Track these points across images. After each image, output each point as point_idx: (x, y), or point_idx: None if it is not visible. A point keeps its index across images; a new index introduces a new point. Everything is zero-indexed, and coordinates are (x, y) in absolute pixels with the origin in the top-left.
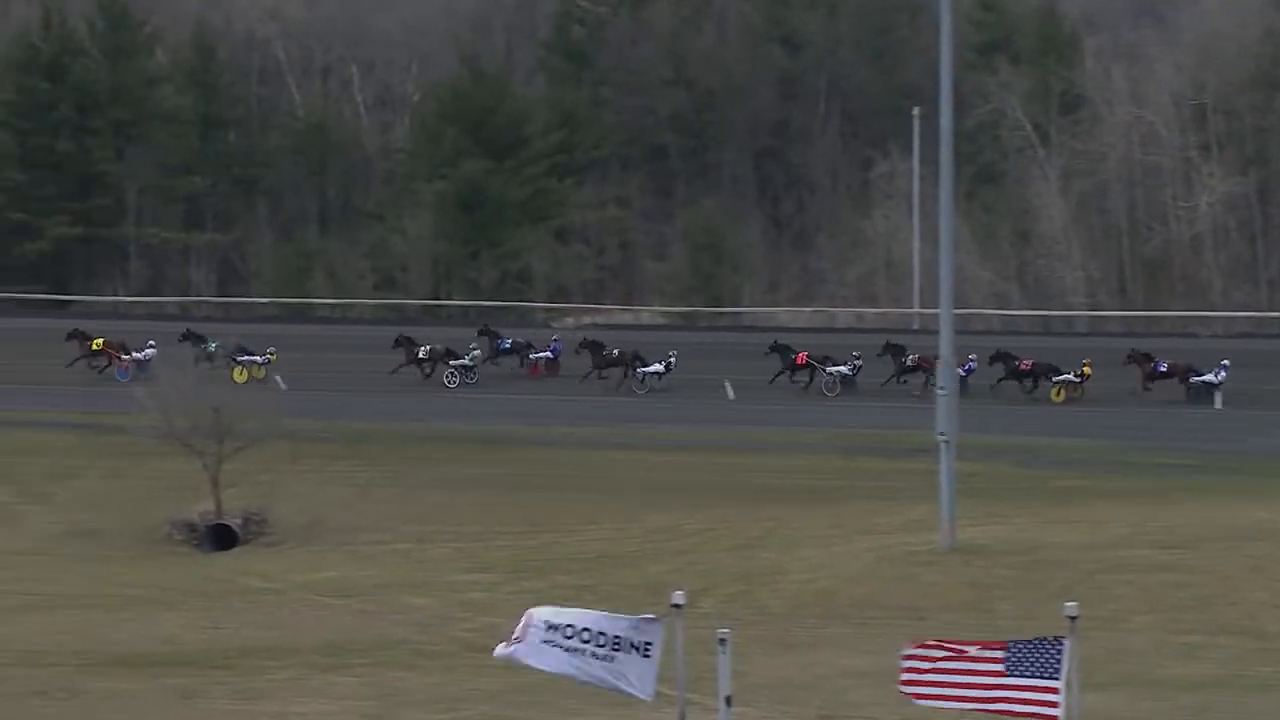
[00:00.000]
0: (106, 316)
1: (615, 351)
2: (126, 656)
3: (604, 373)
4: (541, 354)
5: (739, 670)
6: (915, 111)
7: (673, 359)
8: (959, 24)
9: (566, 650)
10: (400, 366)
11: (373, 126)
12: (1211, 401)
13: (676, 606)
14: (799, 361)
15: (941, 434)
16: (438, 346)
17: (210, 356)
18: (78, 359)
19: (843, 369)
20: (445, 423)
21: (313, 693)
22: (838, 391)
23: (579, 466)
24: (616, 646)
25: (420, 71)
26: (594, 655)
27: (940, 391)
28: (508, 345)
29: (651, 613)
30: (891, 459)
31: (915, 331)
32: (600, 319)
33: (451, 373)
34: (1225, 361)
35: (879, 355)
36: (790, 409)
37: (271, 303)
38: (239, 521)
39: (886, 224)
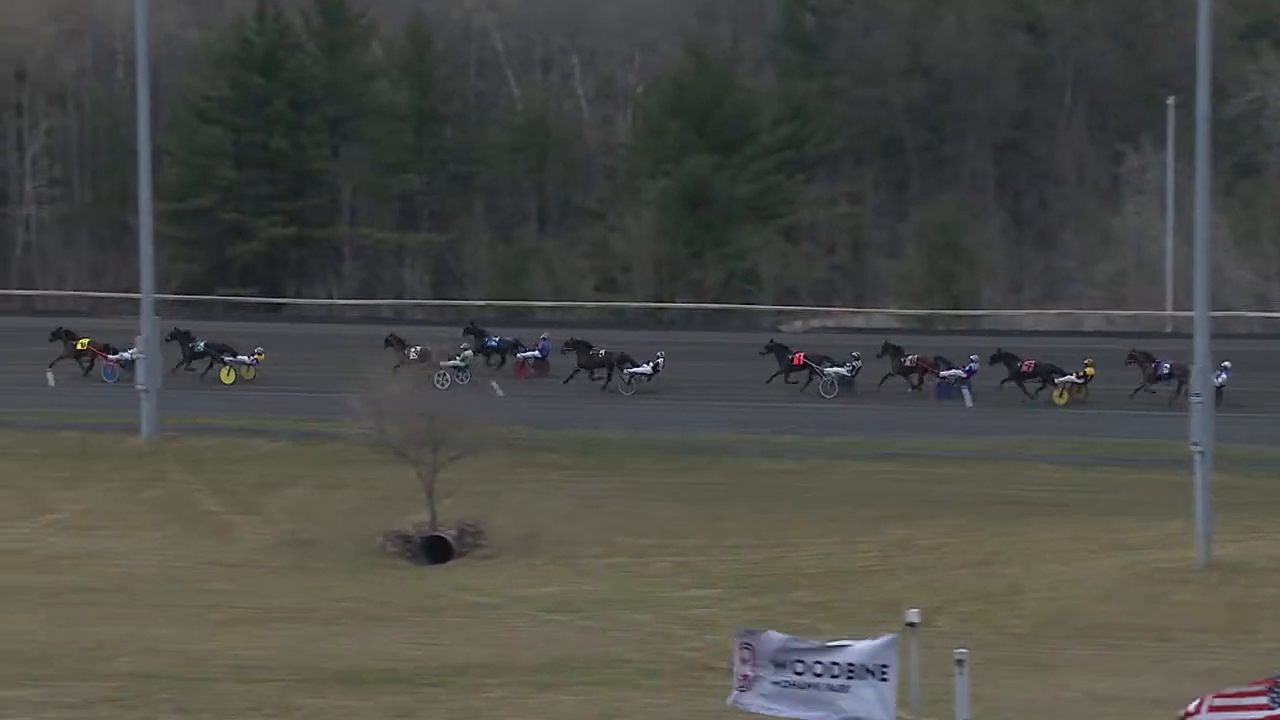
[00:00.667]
0: (320, 320)
1: (602, 351)
2: (341, 673)
3: (595, 373)
4: (529, 353)
5: (978, 693)
6: (1170, 101)
7: (660, 359)
8: (1218, 7)
9: (801, 689)
10: (394, 368)
11: (594, 120)
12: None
13: (911, 625)
14: (795, 362)
15: (1196, 444)
16: (428, 347)
17: (197, 355)
18: (61, 358)
19: (841, 370)
20: (653, 431)
21: (531, 712)
22: (835, 393)
23: (791, 475)
24: (851, 675)
25: (643, 63)
26: (829, 688)
27: (1195, 399)
28: (494, 343)
29: (886, 631)
30: (1139, 470)
31: (1169, 335)
32: (830, 322)
33: (443, 374)
34: (1226, 364)
35: (878, 355)
36: (1026, 416)
37: (488, 305)
38: (454, 533)
39: (1138, 220)
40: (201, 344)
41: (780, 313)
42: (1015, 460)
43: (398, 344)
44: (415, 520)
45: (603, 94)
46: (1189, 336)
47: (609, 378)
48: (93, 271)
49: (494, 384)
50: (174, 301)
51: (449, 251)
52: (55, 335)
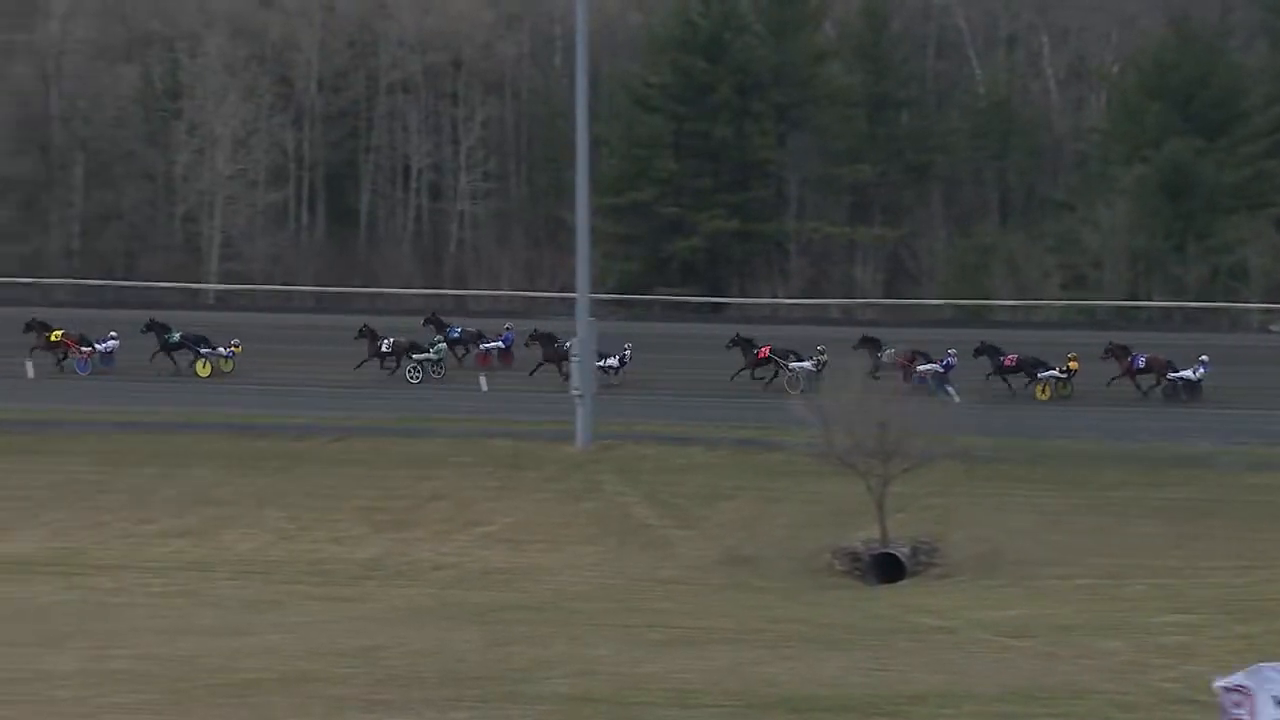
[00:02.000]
0: (764, 321)
1: (568, 345)
2: (786, 699)
3: (562, 367)
4: (492, 344)
5: None
6: None
7: (627, 351)
8: None
9: None
10: (363, 361)
11: (1063, 103)
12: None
13: None
14: (760, 356)
15: None
16: (401, 340)
17: (173, 347)
18: (35, 349)
19: (806, 365)
20: (1115, 441)
21: None
22: (800, 388)
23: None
24: None
25: (1121, 39)
26: None
27: None
28: (457, 334)
29: None
30: None
31: None
32: None
33: (415, 367)
34: (1204, 358)
35: (854, 348)
36: None
37: (944, 304)
38: (906, 551)
39: None
40: (177, 335)
41: (1269, 311)
42: None
43: (370, 336)
44: (864, 536)
45: (1074, 74)
46: None
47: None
48: (527, 270)
49: (950, 390)
50: (610, 301)
51: (903, 247)
52: (29, 326)
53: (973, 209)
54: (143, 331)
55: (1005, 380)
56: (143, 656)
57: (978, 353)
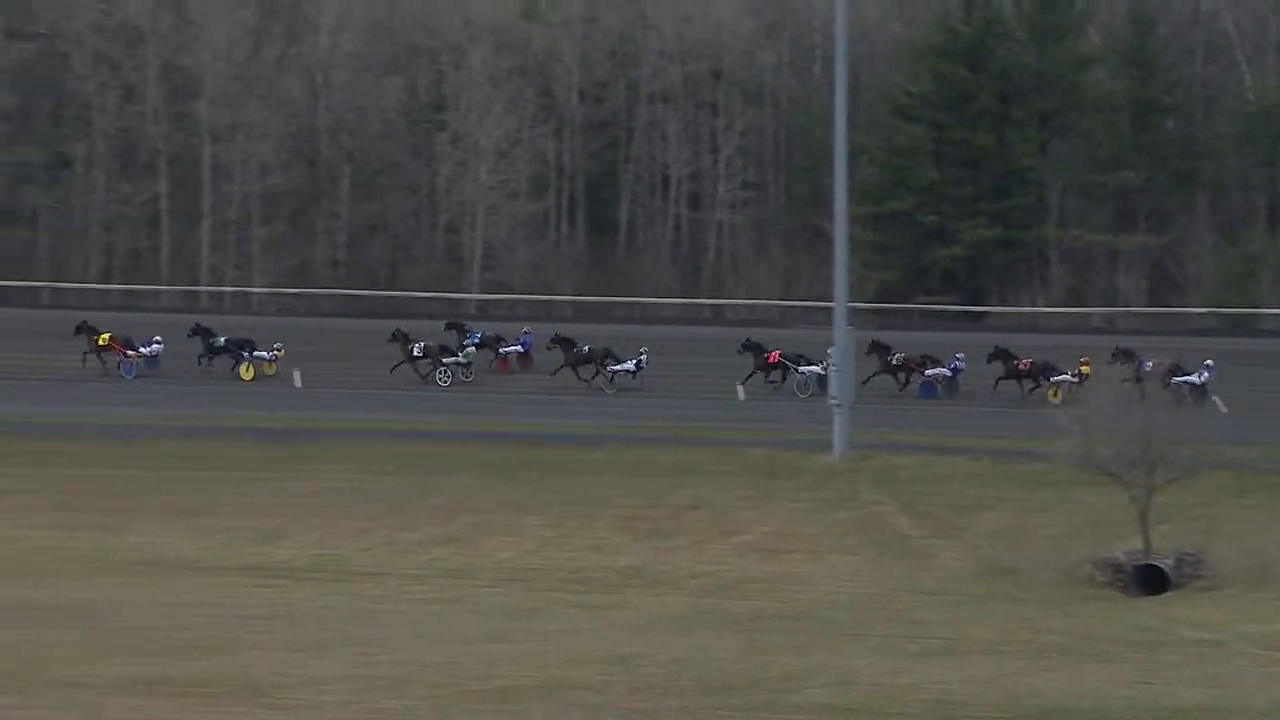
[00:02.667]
0: (1023, 330)
1: (586, 348)
2: (1047, 711)
3: (581, 370)
4: (511, 348)
5: None
6: None
7: (644, 356)
8: None
9: None
10: (397, 365)
11: None
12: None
13: None
14: (770, 360)
15: None
16: (431, 344)
17: (217, 352)
18: (86, 353)
19: (816, 369)
20: None
21: None
22: (810, 392)
23: None
24: None
25: None
26: None
27: None
28: (478, 339)
29: None
30: None
31: None
32: None
33: (444, 370)
34: (1209, 362)
35: (866, 353)
36: None
37: (1209, 313)
38: (1171, 562)
39: None
40: (222, 340)
41: None
42: None
43: (403, 340)
44: (1126, 547)
45: None
46: None
47: (595, 375)
48: (784, 278)
49: (1216, 399)
50: (869, 310)
51: (1168, 254)
52: (79, 330)
53: (1240, 215)
54: (189, 336)
55: (1020, 383)
56: (404, 662)
57: (991, 358)
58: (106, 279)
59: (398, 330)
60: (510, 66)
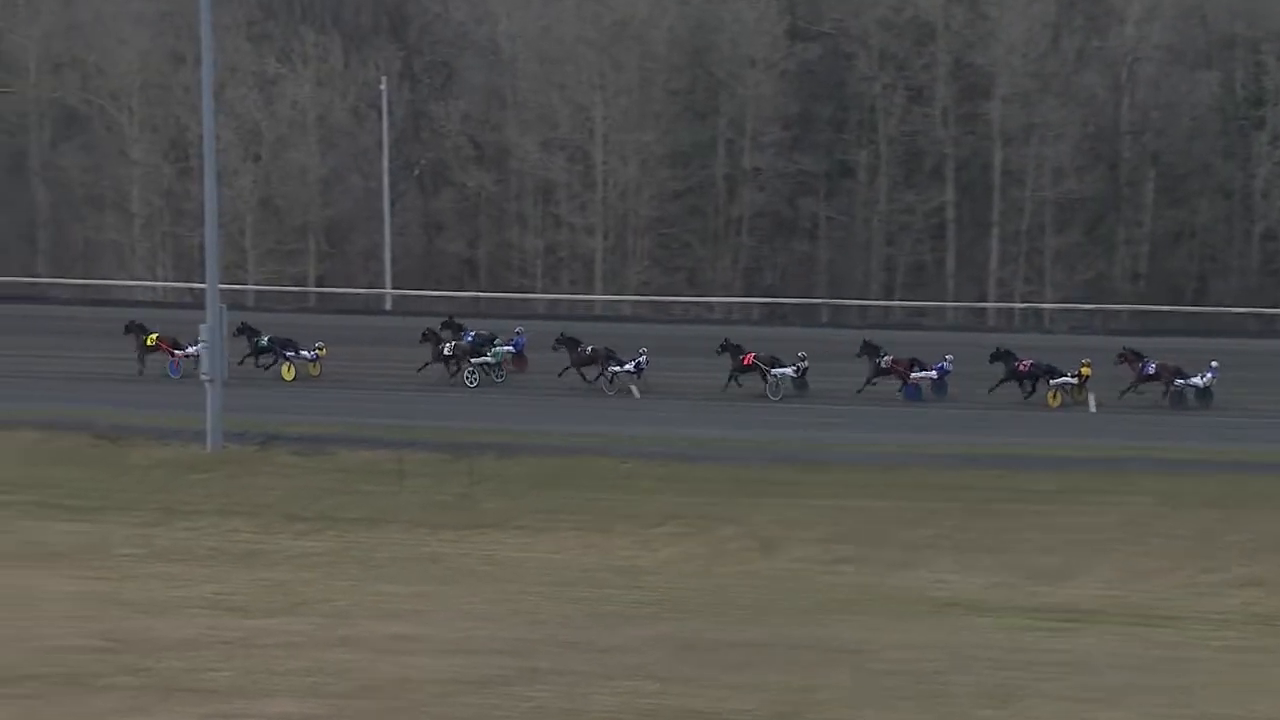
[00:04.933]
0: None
1: (589, 349)
2: None
3: (585, 370)
4: (504, 348)
5: None
6: None
7: (643, 357)
8: None
9: None
10: (425, 364)
11: None
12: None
13: None
14: (745, 363)
15: None
16: (461, 343)
17: (261, 351)
18: (140, 354)
19: (787, 371)
20: None
21: None
22: (781, 395)
23: None
24: None
25: None
26: None
27: None
28: (469, 339)
29: None
30: None
31: None
32: None
33: (472, 371)
34: (1214, 363)
35: (857, 355)
36: None
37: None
38: None
39: None
40: (265, 339)
41: None
42: None
43: (433, 339)
44: None
45: None
46: None
47: (600, 375)
48: None
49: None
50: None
51: None
52: (128, 329)
53: None
54: (234, 335)
55: (1020, 385)
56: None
57: (993, 359)
58: (888, 295)
59: (428, 329)
60: None
